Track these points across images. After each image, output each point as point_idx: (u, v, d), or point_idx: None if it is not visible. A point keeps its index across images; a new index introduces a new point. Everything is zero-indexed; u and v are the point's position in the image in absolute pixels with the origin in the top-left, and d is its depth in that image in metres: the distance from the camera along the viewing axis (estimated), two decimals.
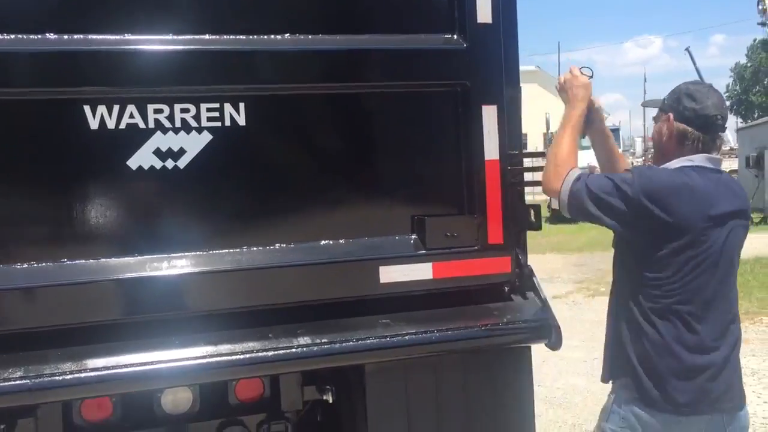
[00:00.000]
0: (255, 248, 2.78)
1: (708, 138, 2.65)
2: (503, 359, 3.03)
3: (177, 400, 3.03)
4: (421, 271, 2.91)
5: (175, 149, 2.73)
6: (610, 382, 2.76)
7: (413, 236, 2.94)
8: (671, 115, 2.67)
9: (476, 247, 2.97)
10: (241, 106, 2.78)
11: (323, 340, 2.73)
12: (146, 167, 2.70)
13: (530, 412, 3.11)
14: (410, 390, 2.97)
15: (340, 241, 2.87)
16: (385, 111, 2.97)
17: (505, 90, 3.02)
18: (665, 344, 2.54)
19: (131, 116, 2.69)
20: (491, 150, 2.98)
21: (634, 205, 2.51)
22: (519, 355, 3.07)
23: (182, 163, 2.73)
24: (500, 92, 3.00)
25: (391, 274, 2.88)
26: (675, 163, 2.65)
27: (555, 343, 2.95)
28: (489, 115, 2.98)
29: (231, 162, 2.80)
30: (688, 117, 2.64)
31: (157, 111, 2.71)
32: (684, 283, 2.53)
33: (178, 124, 2.72)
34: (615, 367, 2.72)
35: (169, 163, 2.72)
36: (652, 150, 3.05)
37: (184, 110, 2.73)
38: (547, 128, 17.90)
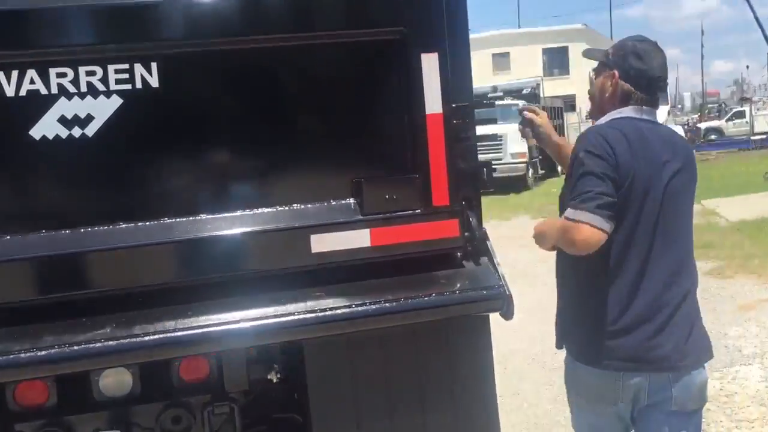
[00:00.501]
0: (173, 220, 2.58)
1: (649, 98, 2.63)
2: (455, 330, 2.78)
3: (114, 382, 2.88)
4: (357, 239, 2.67)
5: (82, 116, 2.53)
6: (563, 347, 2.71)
7: (349, 201, 2.70)
8: (616, 73, 2.63)
9: (419, 211, 2.71)
10: (154, 66, 2.56)
11: (248, 317, 2.52)
12: (51, 136, 2.51)
13: (490, 385, 2.87)
14: (354, 367, 2.75)
15: (267, 209, 2.64)
16: (312, 65, 2.71)
17: (447, 35, 2.73)
18: (604, 299, 2.49)
19: (32, 82, 2.49)
20: (433, 103, 2.71)
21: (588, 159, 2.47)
22: (473, 325, 2.82)
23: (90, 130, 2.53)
24: (441, 38, 2.71)
25: (323, 242, 2.64)
26: (604, 118, 2.65)
27: (507, 312, 2.69)
28: (429, 64, 2.69)
29: (144, 127, 2.59)
30: (634, 77, 2.61)
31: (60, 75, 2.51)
32: (625, 234, 2.47)
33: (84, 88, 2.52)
34: (563, 329, 2.71)
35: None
36: (589, 105, 2.85)
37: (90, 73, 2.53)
38: None
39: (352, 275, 2.69)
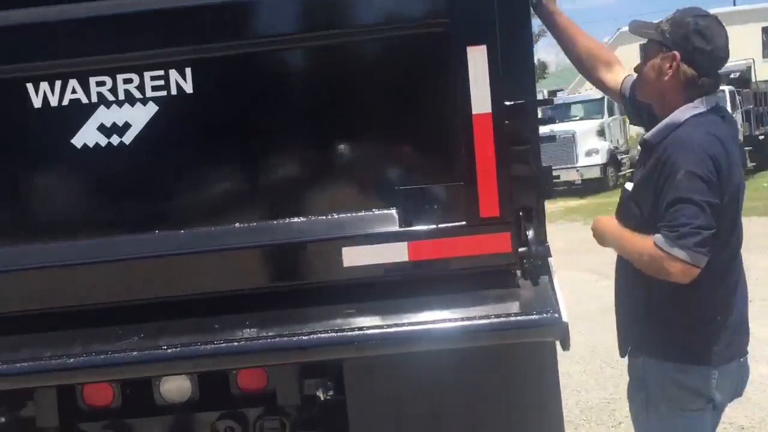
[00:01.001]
0: (202, 229, 2.50)
1: (715, 83, 2.44)
2: (508, 355, 2.47)
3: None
4: (393, 253, 2.44)
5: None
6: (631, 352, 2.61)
7: (386, 210, 2.47)
8: (677, 54, 2.37)
9: (464, 222, 2.43)
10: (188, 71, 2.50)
11: (269, 333, 2.40)
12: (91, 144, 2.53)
13: (553, 414, 2.53)
14: (396, 390, 2.54)
15: (298, 219, 2.49)
16: (348, 64, 2.51)
17: (498, 25, 2.41)
18: (709, 299, 2.43)
19: (74, 91, 2.52)
20: (481, 101, 2.40)
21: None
22: (531, 352, 2.49)
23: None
24: (490, 28, 2.40)
25: (356, 256, 2.45)
26: (681, 114, 2.40)
27: (563, 341, 2.34)
28: (476, 58, 2.40)
29: (178, 134, 2.54)
30: (699, 60, 2.37)
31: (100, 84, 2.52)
32: (729, 240, 2.42)
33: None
34: (641, 333, 2.55)
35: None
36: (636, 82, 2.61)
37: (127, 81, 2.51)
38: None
39: (388, 292, 2.47)
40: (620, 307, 2.68)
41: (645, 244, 2.32)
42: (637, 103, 2.69)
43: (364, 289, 2.47)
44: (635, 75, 2.67)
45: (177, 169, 2.55)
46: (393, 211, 2.46)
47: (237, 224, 2.47)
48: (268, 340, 2.37)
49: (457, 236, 2.44)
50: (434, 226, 2.44)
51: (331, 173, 2.54)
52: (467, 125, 2.41)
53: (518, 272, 2.51)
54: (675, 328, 2.46)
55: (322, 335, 2.34)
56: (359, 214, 2.48)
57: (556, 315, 2.33)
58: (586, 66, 2.86)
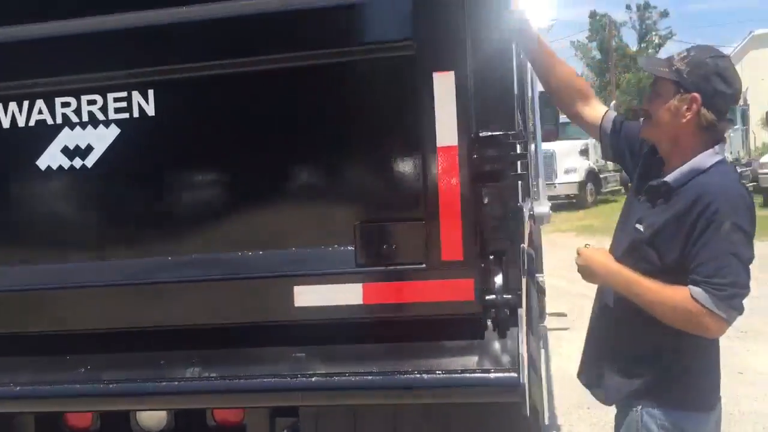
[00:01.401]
0: (145, 260, 2.38)
1: (726, 125, 2.38)
2: (461, 415, 2.23)
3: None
4: (348, 294, 2.25)
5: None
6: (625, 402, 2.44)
7: (341, 248, 2.28)
8: (698, 97, 2.25)
9: (423, 265, 2.21)
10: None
11: (212, 375, 2.26)
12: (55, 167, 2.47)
13: None
14: None
15: (247, 253, 2.34)
16: (305, 89, 2.33)
17: (471, 47, 2.18)
18: (715, 341, 2.37)
19: (40, 112, 2.48)
20: (446, 133, 2.18)
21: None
22: (499, 412, 2.24)
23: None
24: (460, 51, 2.18)
25: (308, 296, 2.27)
26: (704, 160, 2.29)
27: (520, 404, 2.07)
28: (442, 85, 2.18)
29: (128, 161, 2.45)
30: (719, 104, 2.28)
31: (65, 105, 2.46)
32: None
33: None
34: (648, 382, 2.38)
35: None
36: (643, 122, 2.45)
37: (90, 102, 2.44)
38: None
39: (341, 336, 2.28)
40: (612, 354, 2.47)
41: (677, 295, 2.21)
42: (619, 142, 2.63)
43: (316, 331, 2.29)
44: (614, 112, 2.71)
45: (121, 196, 2.45)
46: (350, 249, 2.27)
47: (188, 256, 2.34)
48: (208, 382, 2.24)
49: (416, 280, 2.22)
50: (392, 268, 2.23)
51: (285, 204, 2.37)
52: (431, 158, 2.19)
53: (488, 322, 2.26)
54: (691, 375, 2.36)
55: (255, 381, 2.19)
56: (314, 250, 2.30)
57: (513, 375, 2.08)
58: (563, 98, 2.74)
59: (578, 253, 2.42)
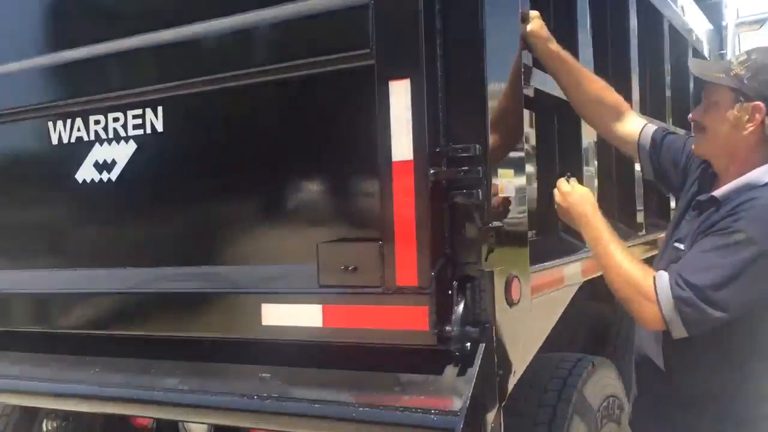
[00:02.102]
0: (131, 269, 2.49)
1: None
2: None
3: None
4: (309, 316, 2.15)
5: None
6: None
7: (308, 266, 2.19)
8: (763, 107, 1.98)
9: (380, 289, 2.04)
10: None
11: (178, 387, 2.29)
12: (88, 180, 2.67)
13: None
14: None
15: (221, 268, 2.34)
16: (263, 102, 2.31)
17: (426, 53, 1.98)
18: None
19: (78, 129, 2.69)
20: (402, 146, 2.00)
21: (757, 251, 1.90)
22: None
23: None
24: (416, 57, 1.98)
25: (275, 314, 2.20)
26: (763, 175, 2.00)
27: None
28: (398, 94, 2.00)
29: None
30: None
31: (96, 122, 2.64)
32: None
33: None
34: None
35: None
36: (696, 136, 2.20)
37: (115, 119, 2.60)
38: None
39: (305, 359, 2.19)
40: (669, 401, 2.21)
41: (639, 272, 2.01)
42: (661, 159, 2.34)
43: (283, 352, 2.22)
44: (654, 125, 2.40)
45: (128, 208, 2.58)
46: (314, 268, 2.17)
47: (167, 267, 2.40)
48: (163, 393, 2.27)
49: (373, 305, 2.06)
50: (350, 291, 2.09)
51: (255, 220, 2.34)
52: (387, 173, 2.02)
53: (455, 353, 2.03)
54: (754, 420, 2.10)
55: (206, 396, 2.18)
56: (286, 267, 2.24)
57: (454, 418, 1.85)
58: (592, 115, 2.50)
59: (559, 190, 2.24)
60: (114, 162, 2.60)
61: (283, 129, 2.27)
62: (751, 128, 2.01)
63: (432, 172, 1.97)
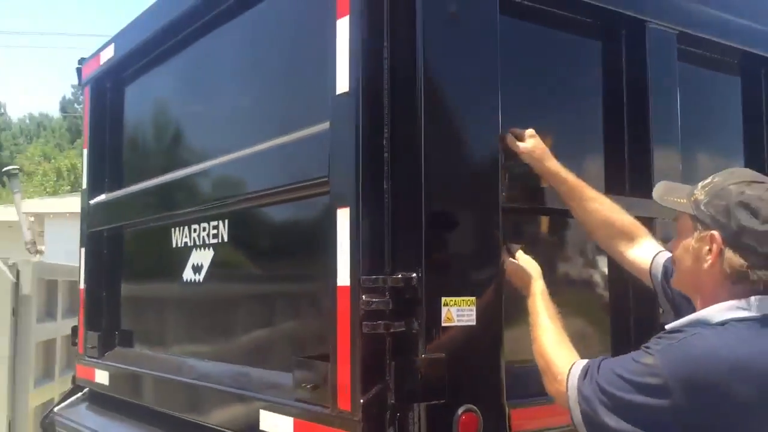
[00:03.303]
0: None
1: None
2: None
3: None
4: (284, 427, 2.27)
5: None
6: None
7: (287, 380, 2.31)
8: (718, 236, 1.70)
9: (328, 410, 2.09)
10: None
11: None
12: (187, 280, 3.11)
13: None
14: None
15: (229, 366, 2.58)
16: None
17: (365, 183, 2.03)
18: None
19: (186, 235, 3.15)
20: (343, 271, 2.07)
21: (667, 406, 1.58)
22: None
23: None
24: (356, 186, 2.05)
25: (269, 419, 2.35)
26: (718, 313, 1.68)
27: None
28: (343, 221, 2.08)
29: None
30: (747, 245, 1.67)
31: (194, 231, 3.08)
32: None
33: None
34: None
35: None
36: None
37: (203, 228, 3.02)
38: None
39: None
40: None
41: (564, 358, 1.85)
42: (670, 290, 2.05)
43: None
44: (667, 253, 2.08)
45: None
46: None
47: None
48: None
49: (326, 425, 2.11)
50: (308, 406, 2.17)
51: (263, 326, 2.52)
52: (333, 297, 2.10)
53: None
54: None
55: None
56: (271, 375, 2.41)
57: None
58: (601, 236, 2.29)
59: (505, 261, 2.14)
60: (201, 265, 2.99)
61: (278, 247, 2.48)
62: (709, 260, 1.71)
63: (364, 299, 1.99)
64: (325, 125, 2.18)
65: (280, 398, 2.32)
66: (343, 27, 2.12)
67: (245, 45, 2.87)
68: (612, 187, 2.51)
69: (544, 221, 2.48)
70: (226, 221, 2.83)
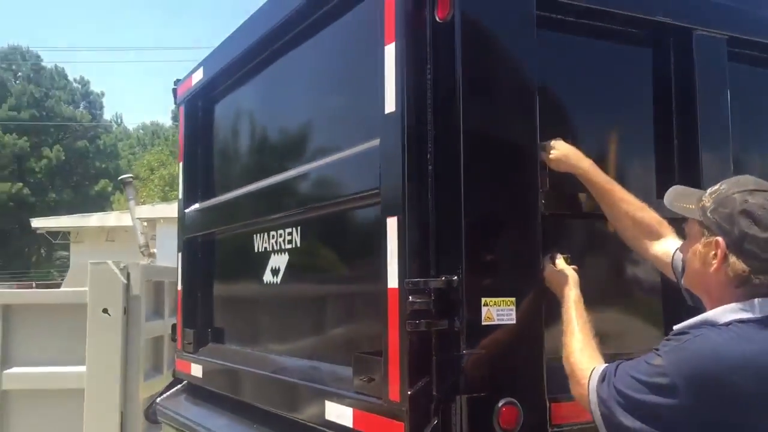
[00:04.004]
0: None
1: None
2: None
3: None
4: (344, 416, 2.50)
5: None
6: None
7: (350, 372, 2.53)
8: (722, 242, 1.80)
9: (381, 401, 2.31)
10: None
11: None
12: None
13: None
14: None
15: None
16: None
17: (410, 194, 2.24)
18: None
19: (265, 241, 3.44)
20: (392, 274, 2.28)
21: (676, 404, 1.70)
22: None
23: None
24: (403, 197, 2.25)
25: (333, 410, 2.59)
26: (722, 315, 1.79)
27: None
28: (392, 229, 2.29)
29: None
30: (750, 251, 1.76)
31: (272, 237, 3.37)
32: None
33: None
34: None
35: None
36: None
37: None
38: None
39: None
40: None
41: (587, 362, 1.96)
42: None
43: None
44: None
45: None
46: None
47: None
48: None
49: (379, 415, 2.32)
50: (365, 398, 2.39)
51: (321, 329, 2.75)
52: (384, 298, 2.31)
53: None
54: None
55: None
56: (336, 369, 2.64)
57: None
58: (628, 235, 2.39)
59: (545, 268, 2.26)
60: (279, 269, 3.26)
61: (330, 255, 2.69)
62: (715, 265, 1.81)
63: (410, 300, 2.19)
64: (376, 142, 2.39)
65: (343, 390, 2.54)
66: (390, 53, 2.33)
67: (312, 68, 3.12)
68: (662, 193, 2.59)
69: (584, 227, 2.60)
70: (299, 228, 3.08)
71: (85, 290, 5.12)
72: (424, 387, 2.17)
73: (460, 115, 2.19)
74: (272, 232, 3.32)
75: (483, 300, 2.17)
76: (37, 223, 18.64)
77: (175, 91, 4.48)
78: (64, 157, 43.17)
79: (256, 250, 3.50)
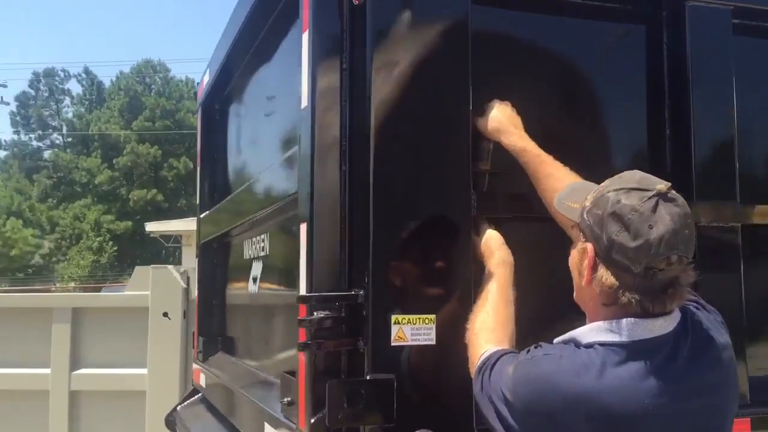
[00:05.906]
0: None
1: (646, 301, 1.46)
2: None
3: None
4: None
5: None
6: None
7: None
8: (590, 250, 1.52)
9: (295, 427, 2.08)
10: None
11: None
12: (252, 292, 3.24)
13: None
14: None
15: None
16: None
17: (320, 196, 2.00)
18: None
19: (249, 247, 3.29)
20: (302, 286, 2.05)
21: (511, 424, 1.55)
22: None
23: None
24: (310, 200, 2.02)
25: None
26: (587, 334, 1.54)
27: None
28: (303, 235, 2.07)
29: None
30: (619, 264, 1.46)
31: (252, 243, 3.21)
32: None
33: None
34: None
35: None
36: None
37: None
38: None
39: None
40: None
41: (480, 344, 1.77)
42: None
43: None
44: None
45: None
46: None
47: None
48: None
49: None
50: (290, 422, 2.18)
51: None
52: (296, 313, 2.08)
53: None
54: None
55: None
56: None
57: None
58: (553, 213, 1.94)
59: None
60: (256, 277, 3.10)
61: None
62: (586, 277, 1.51)
63: (314, 315, 1.95)
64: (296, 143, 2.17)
65: (276, 412, 2.33)
66: (305, 42, 2.10)
67: (275, 67, 2.94)
68: None
69: (525, 230, 2.23)
70: (268, 234, 2.90)
71: (147, 294, 5.18)
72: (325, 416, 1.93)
73: (370, 107, 1.94)
74: (253, 238, 3.17)
75: (393, 317, 1.91)
76: (150, 227, 19.43)
77: (196, 93, 4.42)
78: (192, 166, 45.09)
79: (243, 257, 3.36)
